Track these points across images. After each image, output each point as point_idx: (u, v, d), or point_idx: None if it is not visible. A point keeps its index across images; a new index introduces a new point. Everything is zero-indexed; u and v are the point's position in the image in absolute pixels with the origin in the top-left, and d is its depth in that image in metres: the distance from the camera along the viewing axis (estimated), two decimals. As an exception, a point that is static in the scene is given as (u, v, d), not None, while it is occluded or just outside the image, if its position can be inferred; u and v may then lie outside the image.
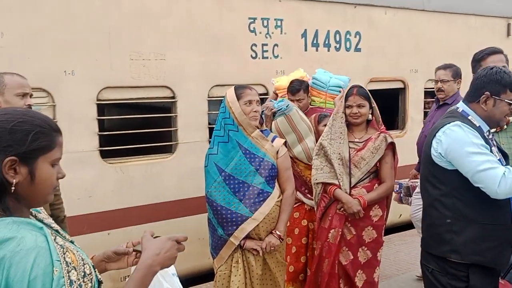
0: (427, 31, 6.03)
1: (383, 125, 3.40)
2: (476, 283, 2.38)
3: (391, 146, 3.31)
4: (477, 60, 3.18)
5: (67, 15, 3.87)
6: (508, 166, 2.34)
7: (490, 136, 2.50)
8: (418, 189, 3.23)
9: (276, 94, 4.31)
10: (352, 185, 3.28)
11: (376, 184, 3.30)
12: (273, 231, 2.99)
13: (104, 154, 4.16)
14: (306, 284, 3.58)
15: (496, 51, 3.17)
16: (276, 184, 3.05)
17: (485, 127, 2.45)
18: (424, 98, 6.18)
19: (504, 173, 2.24)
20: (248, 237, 2.97)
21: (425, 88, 6.13)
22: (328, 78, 4.26)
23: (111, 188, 4.13)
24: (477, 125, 2.42)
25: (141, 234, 1.54)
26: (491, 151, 2.36)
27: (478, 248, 2.37)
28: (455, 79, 4.15)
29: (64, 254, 1.23)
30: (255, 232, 2.97)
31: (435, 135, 2.44)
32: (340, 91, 4.11)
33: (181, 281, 1.82)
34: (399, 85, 5.91)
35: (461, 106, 2.53)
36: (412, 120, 6.02)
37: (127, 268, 1.62)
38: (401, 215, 5.79)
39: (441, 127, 2.43)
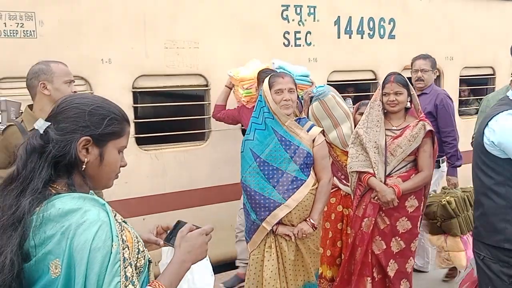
0: (462, 18, 5.88)
1: (422, 113, 3.35)
2: None
3: (430, 134, 3.25)
4: None
5: (103, 4, 3.92)
6: None
7: None
8: None
9: (230, 88, 4.26)
10: (387, 174, 3.25)
11: (413, 174, 3.26)
12: (307, 219, 3.00)
13: (140, 141, 4.23)
14: (340, 270, 3.59)
15: None
16: (312, 172, 3.04)
17: None
18: (460, 86, 6.06)
19: None
20: (280, 223, 2.99)
21: (460, 76, 5.99)
22: (293, 67, 4.12)
23: (146, 174, 4.20)
24: None
25: (174, 221, 1.63)
26: None
27: None
28: (433, 69, 4.27)
29: (121, 231, 1.30)
30: (288, 219, 2.99)
31: (487, 123, 2.40)
32: (310, 81, 4.06)
33: (214, 268, 1.86)
34: (434, 72, 5.80)
35: (511, 94, 2.48)
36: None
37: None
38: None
39: (494, 116, 2.39)
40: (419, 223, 3.32)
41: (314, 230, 3.01)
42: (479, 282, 2.61)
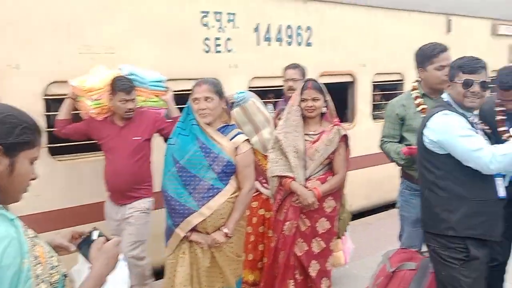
0: (373, 27, 6.22)
1: (337, 118, 3.48)
2: (475, 252, 2.66)
3: (344, 139, 3.40)
4: (429, 56, 3.31)
5: (12, 7, 3.68)
6: (495, 145, 2.60)
7: (475, 121, 2.77)
8: None
9: (73, 99, 3.77)
10: (307, 177, 3.35)
11: (330, 176, 3.38)
12: (221, 228, 2.99)
13: (54, 151, 4.02)
14: (263, 275, 3.63)
15: (446, 48, 3.32)
16: (233, 181, 3.04)
17: (466, 113, 2.70)
18: (373, 91, 6.38)
19: (492, 153, 2.51)
20: (195, 230, 2.98)
21: (373, 82, 6.32)
22: (145, 73, 3.91)
23: (61, 186, 3.99)
24: (460, 111, 2.68)
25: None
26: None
27: (471, 223, 2.64)
28: (303, 78, 4.20)
29: (33, 247, 1.25)
30: (202, 226, 2.98)
31: (425, 124, 2.70)
32: (165, 87, 3.97)
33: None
34: (348, 78, 6.07)
35: (445, 96, 2.80)
36: (361, 113, 6.20)
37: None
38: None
39: (431, 116, 2.68)
40: (336, 222, 3.45)
41: (228, 239, 3.00)
42: (435, 271, 2.87)
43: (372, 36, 6.19)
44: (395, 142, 3.44)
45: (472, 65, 2.66)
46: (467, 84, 2.64)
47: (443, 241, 2.71)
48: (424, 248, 3.43)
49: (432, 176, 2.71)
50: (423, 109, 3.34)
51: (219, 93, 3.04)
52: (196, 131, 3.00)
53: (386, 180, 5.60)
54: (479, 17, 7.72)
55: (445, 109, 2.67)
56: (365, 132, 5.91)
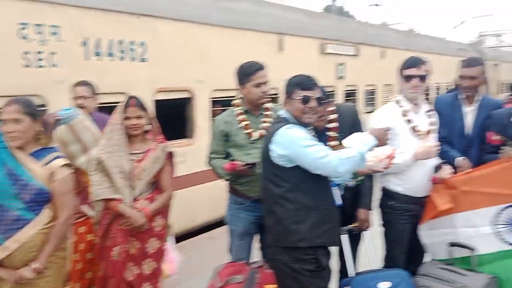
0: (209, 44, 6.35)
1: (161, 135, 3.44)
2: (324, 262, 2.82)
3: (170, 156, 3.37)
4: (248, 74, 3.44)
5: None
6: (340, 150, 2.78)
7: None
8: None
9: None
10: (134, 198, 3.23)
11: (157, 195, 3.31)
12: (30, 263, 2.72)
13: None
14: (92, 305, 3.40)
15: (263, 67, 3.49)
16: (47, 210, 2.77)
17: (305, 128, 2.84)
18: (213, 107, 6.49)
19: (337, 157, 2.66)
20: (1, 265, 2.69)
21: (211, 98, 6.43)
22: None
23: None
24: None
25: None
26: None
27: (319, 231, 2.76)
28: (93, 96, 4.19)
29: None
30: (9, 261, 2.69)
31: (271, 140, 2.77)
32: None
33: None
34: (186, 95, 6.09)
35: (283, 112, 2.90)
36: (200, 129, 6.25)
37: None
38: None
39: (275, 131, 2.76)
40: (165, 241, 3.39)
41: (38, 275, 2.72)
42: (283, 286, 2.89)
43: (208, 53, 6.31)
44: (221, 157, 3.51)
45: (308, 82, 2.81)
46: (305, 101, 2.76)
47: (295, 254, 2.77)
48: (254, 259, 3.56)
49: (280, 189, 2.77)
50: (246, 125, 3.47)
51: (32, 113, 2.76)
52: (5, 156, 2.70)
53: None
54: (308, 36, 8.40)
55: (287, 123, 2.78)
56: (205, 147, 5.95)
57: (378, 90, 10.82)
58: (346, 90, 9.54)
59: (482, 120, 3.56)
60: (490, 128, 3.41)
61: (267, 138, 2.85)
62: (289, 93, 2.85)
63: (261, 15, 7.51)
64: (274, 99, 6.90)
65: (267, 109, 3.56)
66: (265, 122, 3.50)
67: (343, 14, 40.69)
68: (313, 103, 2.80)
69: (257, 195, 3.46)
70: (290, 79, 2.88)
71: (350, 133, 3.07)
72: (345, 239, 3.28)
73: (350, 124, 3.35)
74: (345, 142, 3.01)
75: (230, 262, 3.37)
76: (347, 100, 9.53)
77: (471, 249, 3.23)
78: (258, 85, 3.40)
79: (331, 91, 9.12)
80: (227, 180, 3.53)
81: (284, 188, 2.76)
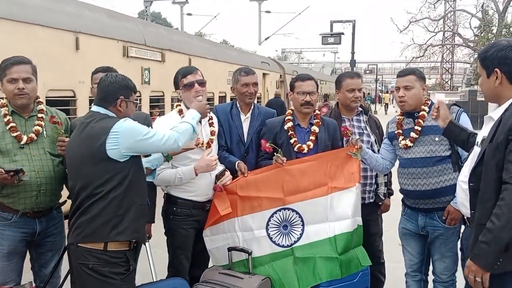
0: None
1: None
2: (133, 264, 2.83)
3: None
4: (3, 68, 3.06)
5: None
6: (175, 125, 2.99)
7: None
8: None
9: None
10: None
11: None
12: None
13: None
14: None
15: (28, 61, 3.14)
16: None
17: None
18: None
19: (177, 131, 2.89)
20: None
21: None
22: None
23: None
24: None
25: None
26: None
27: (136, 226, 2.79)
28: None
29: None
30: None
31: (109, 133, 2.66)
32: None
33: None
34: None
35: (101, 110, 2.82)
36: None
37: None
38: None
39: (111, 127, 2.67)
40: None
41: None
42: None
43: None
44: None
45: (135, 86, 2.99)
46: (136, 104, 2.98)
47: (103, 257, 2.68)
48: (25, 281, 3.19)
49: (108, 185, 2.70)
50: (12, 127, 3.09)
51: None
52: None
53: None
54: (110, 38, 8.03)
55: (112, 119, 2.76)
56: None
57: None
58: (152, 96, 9.41)
59: (256, 127, 3.78)
60: (264, 135, 3.62)
61: (93, 134, 2.72)
62: (126, 95, 2.87)
63: (55, 11, 6.89)
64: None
65: (41, 111, 3.23)
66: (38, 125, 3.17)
67: (162, 21, 40.65)
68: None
69: (27, 207, 3.11)
70: (127, 81, 2.91)
71: None
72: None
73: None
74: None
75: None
76: (152, 106, 9.40)
77: (248, 252, 3.38)
78: (12, 80, 3.03)
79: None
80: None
81: (108, 185, 2.69)
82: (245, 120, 3.81)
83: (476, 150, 2.56)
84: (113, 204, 2.70)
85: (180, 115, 3.49)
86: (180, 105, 3.59)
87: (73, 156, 2.82)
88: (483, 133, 2.54)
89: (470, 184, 2.47)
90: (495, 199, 2.26)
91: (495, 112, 2.45)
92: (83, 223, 2.73)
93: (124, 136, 2.69)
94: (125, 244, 2.77)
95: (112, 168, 2.70)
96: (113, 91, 2.82)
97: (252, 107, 3.87)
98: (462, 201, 2.71)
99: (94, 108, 2.87)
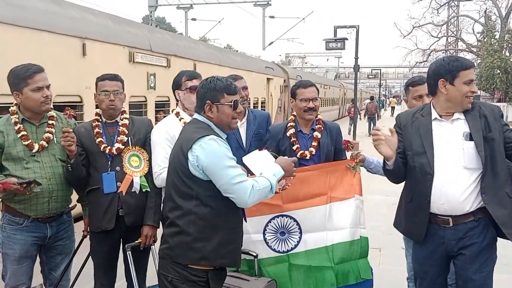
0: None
1: None
2: (214, 284, 2.64)
3: None
4: (23, 77, 3.12)
5: None
6: (255, 178, 2.60)
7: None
8: None
9: None
10: None
11: None
12: None
13: None
14: None
15: (43, 69, 3.20)
16: None
17: (222, 135, 2.67)
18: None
19: (252, 186, 2.50)
20: None
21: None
22: None
23: None
24: (219, 134, 2.63)
25: None
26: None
27: (223, 252, 2.59)
28: None
29: None
30: None
31: (191, 147, 2.52)
32: None
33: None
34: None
35: (199, 117, 2.69)
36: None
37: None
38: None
39: (197, 140, 2.52)
40: None
41: None
42: None
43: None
44: None
45: (233, 86, 2.68)
46: (236, 105, 2.66)
47: (184, 273, 2.56)
48: (35, 283, 3.24)
49: (189, 203, 2.55)
50: (23, 136, 3.15)
51: None
52: None
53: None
54: (116, 43, 8.11)
55: (209, 133, 2.56)
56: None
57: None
58: (157, 101, 9.48)
59: (253, 131, 3.82)
60: (268, 142, 3.67)
61: (186, 144, 2.56)
62: (214, 99, 2.63)
63: (61, 16, 6.98)
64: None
65: (51, 117, 3.29)
66: (48, 132, 3.23)
67: (166, 26, 40.82)
68: (241, 108, 2.77)
69: (39, 214, 3.17)
70: (215, 83, 2.64)
71: None
72: (129, 256, 3.20)
73: None
74: (246, 159, 2.88)
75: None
76: (157, 111, 9.48)
77: (253, 255, 3.43)
78: (37, 89, 3.10)
79: (142, 101, 8.98)
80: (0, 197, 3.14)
81: (194, 202, 2.55)
82: (241, 126, 3.80)
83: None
84: (198, 224, 2.55)
85: (177, 117, 3.48)
86: (175, 109, 3.57)
87: (171, 162, 2.71)
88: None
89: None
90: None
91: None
92: (168, 236, 2.64)
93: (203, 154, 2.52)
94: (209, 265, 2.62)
95: (195, 184, 2.55)
96: (201, 96, 2.68)
97: (247, 112, 3.88)
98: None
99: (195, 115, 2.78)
